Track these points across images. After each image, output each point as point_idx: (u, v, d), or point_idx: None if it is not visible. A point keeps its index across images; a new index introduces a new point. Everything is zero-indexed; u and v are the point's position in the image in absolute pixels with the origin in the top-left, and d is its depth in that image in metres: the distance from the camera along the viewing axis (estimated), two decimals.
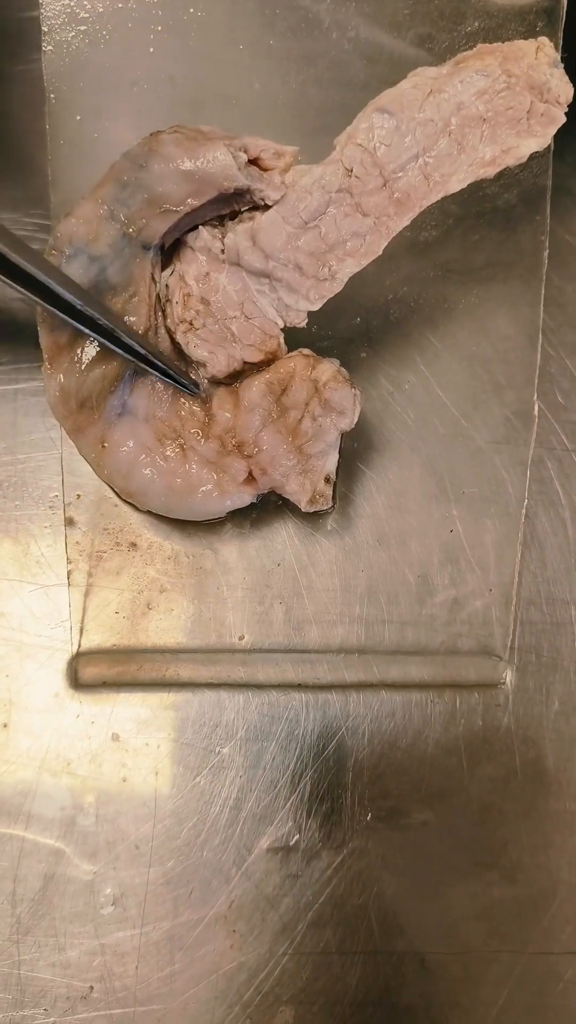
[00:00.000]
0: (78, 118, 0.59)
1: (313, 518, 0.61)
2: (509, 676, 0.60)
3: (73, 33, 0.58)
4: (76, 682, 0.59)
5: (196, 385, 0.54)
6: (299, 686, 0.59)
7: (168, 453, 0.54)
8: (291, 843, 0.58)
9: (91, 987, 0.56)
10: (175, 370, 0.53)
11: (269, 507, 0.60)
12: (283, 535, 0.61)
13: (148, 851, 0.58)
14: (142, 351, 0.51)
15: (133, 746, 0.59)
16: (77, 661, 0.60)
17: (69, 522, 0.60)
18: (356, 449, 0.61)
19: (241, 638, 0.60)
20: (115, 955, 0.57)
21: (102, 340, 0.50)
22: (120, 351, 0.51)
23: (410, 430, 0.62)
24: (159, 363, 0.52)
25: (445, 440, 0.62)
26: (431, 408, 0.62)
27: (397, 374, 0.62)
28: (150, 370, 0.52)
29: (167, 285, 0.54)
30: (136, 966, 0.56)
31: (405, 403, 0.62)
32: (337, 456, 0.55)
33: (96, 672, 0.60)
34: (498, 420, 0.62)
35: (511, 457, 0.61)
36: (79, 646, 0.60)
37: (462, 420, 0.62)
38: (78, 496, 0.60)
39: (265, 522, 0.61)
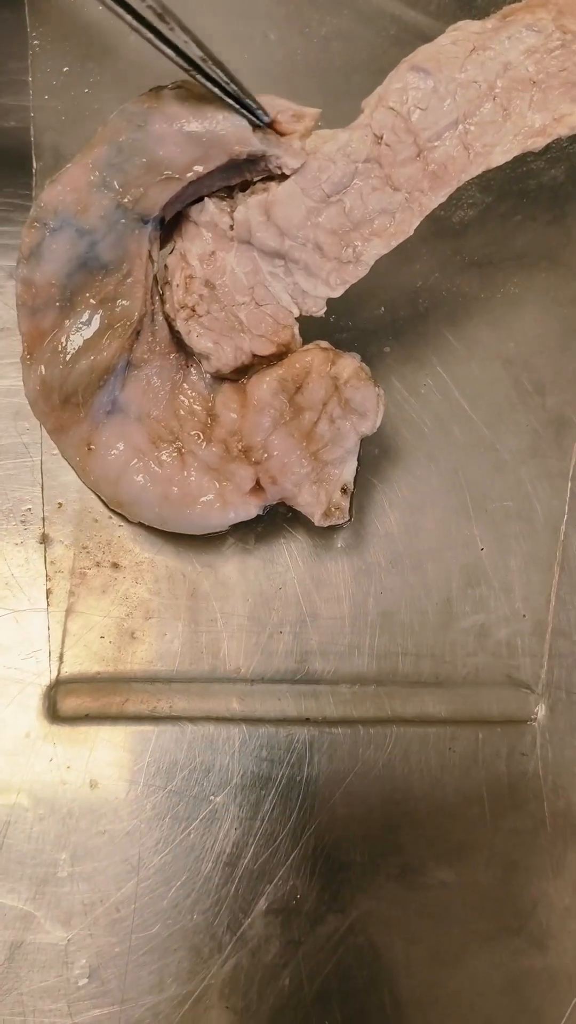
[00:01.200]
0: (65, 69, 0.57)
1: (321, 535, 0.58)
2: (541, 711, 0.58)
3: None
4: (54, 715, 0.57)
5: (265, 112, 0.48)
6: (304, 721, 0.57)
7: (164, 458, 0.52)
8: (293, 904, 0.55)
9: None
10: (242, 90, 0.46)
11: (276, 521, 0.58)
12: (287, 555, 0.58)
13: (130, 914, 0.54)
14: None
15: (114, 794, 0.55)
16: (56, 691, 0.57)
17: (46, 538, 0.58)
18: (368, 460, 0.58)
19: (238, 670, 0.57)
20: None
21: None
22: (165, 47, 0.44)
23: (427, 440, 0.60)
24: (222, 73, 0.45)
25: (465, 451, 0.60)
26: (451, 415, 0.60)
27: (414, 376, 0.60)
28: (209, 85, 0.45)
29: (166, 265, 0.51)
30: None
31: (421, 408, 0.60)
32: (356, 464, 0.53)
33: (77, 704, 0.57)
34: (525, 430, 0.60)
35: (539, 471, 0.60)
36: (58, 674, 0.57)
37: (484, 430, 0.60)
38: (59, 505, 0.58)
39: (271, 538, 0.58)
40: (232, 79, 0.45)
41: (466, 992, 0.55)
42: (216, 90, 0.45)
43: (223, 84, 0.45)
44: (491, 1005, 0.55)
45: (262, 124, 0.47)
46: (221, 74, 0.45)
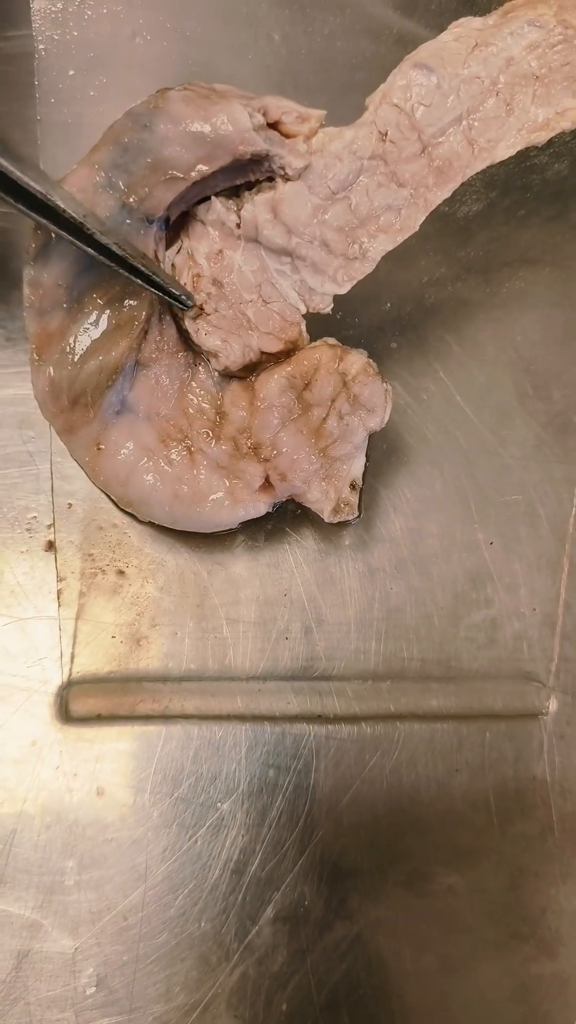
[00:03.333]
0: (71, 72, 0.57)
1: (328, 536, 0.58)
2: (552, 706, 0.58)
3: None
4: (66, 716, 0.56)
5: (190, 297, 0.51)
6: (311, 718, 0.57)
7: (173, 456, 0.52)
8: (300, 912, 0.55)
9: None
10: (167, 281, 0.49)
11: (285, 520, 0.58)
12: (292, 558, 0.58)
13: (137, 922, 0.54)
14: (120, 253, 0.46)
15: (120, 802, 0.55)
16: (68, 692, 0.56)
17: (55, 538, 0.57)
18: (371, 464, 0.58)
19: (246, 669, 0.57)
20: None
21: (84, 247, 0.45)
22: (99, 255, 0.46)
23: (430, 444, 0.59)
24: (145, 270, 0.47)
25: (469, 455, 0.59)
26: (453, 419, 0.60)
27: (416, 381, 0.60)
28: (142, 283, 0.48)
29: (174, 264, 0.51)
30: None
31: (424, 413, 0.60)
32: (364, 460, 0.53)
33: (89, 705, 0.56)
34: (527, 432, 0.60)
35: (542, 474, 0.59)
36: (70, 675, 0.56)
37: (487, 433, 0.59)
38: (69, 505, 0.57)
39: (278, 540, 0.58)
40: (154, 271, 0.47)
41: (476, 1000, 0.55)
42: (139, 280, 0.47)
43: (148, 275, 0.47)
44: (501, 1012, 0.55)
45: (187, 308, 0.50)
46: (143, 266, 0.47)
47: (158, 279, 0.48)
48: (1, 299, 0.58)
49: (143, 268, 0.47)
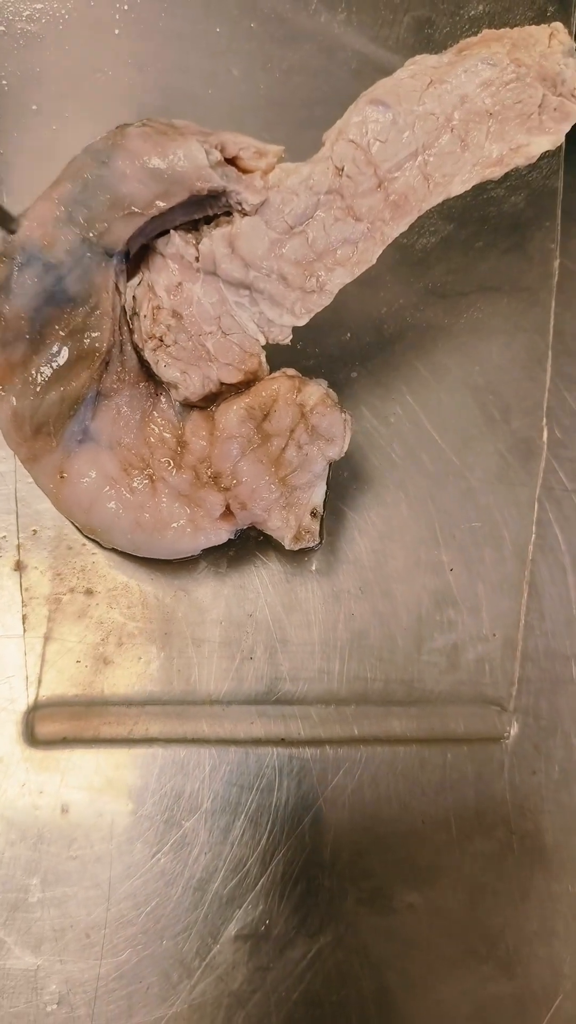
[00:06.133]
0: (33, 107, 0.57)
1: (293, 559, 0.59)
2: (513, 729, 0.58)
3: (28, 12, 0.57)
4: (32, 739, 0.56)
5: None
6: (274, 742, 0.57)
7: (135, 485, 0.53)
8: (261, 930, 0.55)
9: None
10: None
11: (248, 544, 0.58)
12: (258, 580, 0.58)
13: (100, 940, 0.54)
14: None
15: (85, 819, 0.55)
16: (33, 716, 0.56)
17: (21, 565, 0.57)
18: (337, 486, 0.59)
19: (210, 693, 0.57)
20: None
21: None
22: None
23: (396, 466, 0.60)
24: None
25: (434, 478, 0.60)
26: (419, 442, 0.60)
27: (382, 404, 0.60)
28: None
29: (134, 296, 0.52)
30: None
31: (391, 436, 0.60)
32: (324, 488, 0.53)
33: (53, 728, 0.57)
34: (492, 456, 0.60)
35: (506, 497, 0.60)
36: (36, 699, 0.57)
37: (452, 456, 0.60)
38: (34, 532, 0.58)
39: (243, 562, 0.58)
40: None
41: (435, 1019, 0.55)
42: None
43: None
44: None
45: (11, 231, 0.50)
46: None
47: None
48: None
49: None
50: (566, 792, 0.57)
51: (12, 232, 0.49)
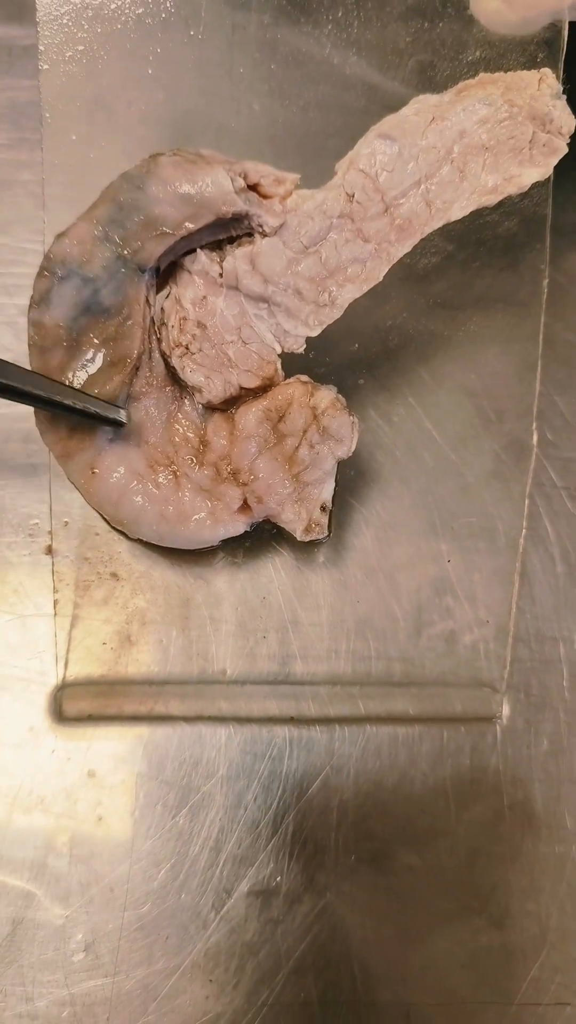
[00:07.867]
0: (73, 138, 0.58)
1: (304, 550, 0.60)
2: (505, 710, 0.60)
3: (71, 53, 0.58)
4: (60, 716, 0.58)
5: (119, 423, 0.53)
6: (288, 719, 0.59)
7: (160, 480, 0.54)
8: (272, 886, 0.57)
9: None
10: (95, 405, 0.52)
11: (263, 536, 0.60)
12: (272, 568, 0.60)
13: (123, 894, 0.56)
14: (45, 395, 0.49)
15: (110, 783, 0.57)
16: (61, 694, 0.58)
17: (53, 551, 0.59)
18: (345, 482, 0.60)
19: (225, 672, 0.59)
20: (85, 1006, 0.55)
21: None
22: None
23: (400, 463, 0.62)
24: (74, 405, 0.50)
25: (434, 474, 0.62)
26: (421, 441, 0.62)
27: (387, 406, 0.62)
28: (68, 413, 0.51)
29: (163, 308, 0.54)
30: (108, 1017, 0.55)
31: (394, 436, 0.62)
32: (333, 484, 0.55)
33: (80, 705, 0.58)
34: (487, 455, 0.62)
35: (501, 492, 0.61)
36: (63, 677, 0.58)
37: (451, 454, 0.62)
38: (65, 523, 0.59)
39: (258, 552, 0.60)
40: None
41: (430, 967, 0.56)
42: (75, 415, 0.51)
43: (82, 409, 0.50)
44: (454, 979, 0.56)
45: (122, 425, 0.53)
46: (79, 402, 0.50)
47: (93, 411, 0.51)
48: (9, 323, 0.61)
49: (85, 409, 0.51)
50: (554, 763, 0.59)
51: (122, 425, 0.53)
